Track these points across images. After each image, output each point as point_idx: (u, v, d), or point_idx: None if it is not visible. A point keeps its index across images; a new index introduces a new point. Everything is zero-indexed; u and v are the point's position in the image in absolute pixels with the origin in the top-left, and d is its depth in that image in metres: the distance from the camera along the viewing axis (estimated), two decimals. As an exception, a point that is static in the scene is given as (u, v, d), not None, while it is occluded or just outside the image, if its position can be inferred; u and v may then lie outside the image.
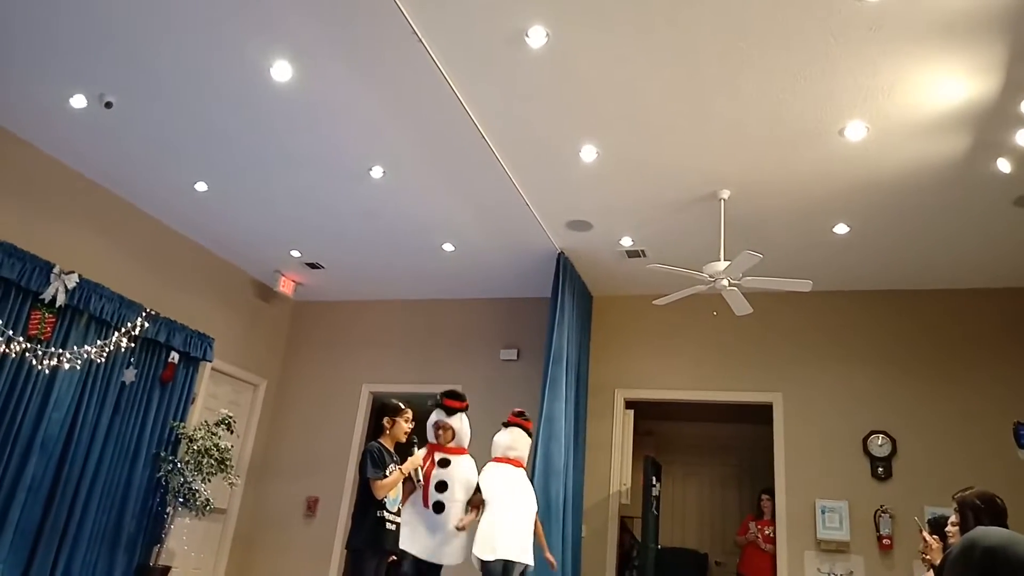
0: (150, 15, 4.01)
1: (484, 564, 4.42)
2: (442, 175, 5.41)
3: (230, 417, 6.77)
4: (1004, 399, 5.91)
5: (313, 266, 7.38)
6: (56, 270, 5.50)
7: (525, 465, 4.84)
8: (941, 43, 3.66)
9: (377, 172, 5.39)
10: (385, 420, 4.29)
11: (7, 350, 5.20)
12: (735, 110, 4.33)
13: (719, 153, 4.79)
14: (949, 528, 3.00)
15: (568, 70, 4.13)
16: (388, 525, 4.06)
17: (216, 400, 7.28)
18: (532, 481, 5.41)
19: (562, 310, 6.18)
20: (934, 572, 3.53)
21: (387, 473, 4.07)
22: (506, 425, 4.90)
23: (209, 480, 6.44)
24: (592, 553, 6.56)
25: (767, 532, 6.56)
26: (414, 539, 4.35)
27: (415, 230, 6.33)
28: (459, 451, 4.69)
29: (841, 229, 5.55)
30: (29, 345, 5.35)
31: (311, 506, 7.46)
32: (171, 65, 4.42)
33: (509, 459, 4.74)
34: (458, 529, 4.48)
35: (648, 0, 3.57)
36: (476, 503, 4.62)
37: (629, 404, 7.10)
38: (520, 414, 4.95)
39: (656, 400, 7.08)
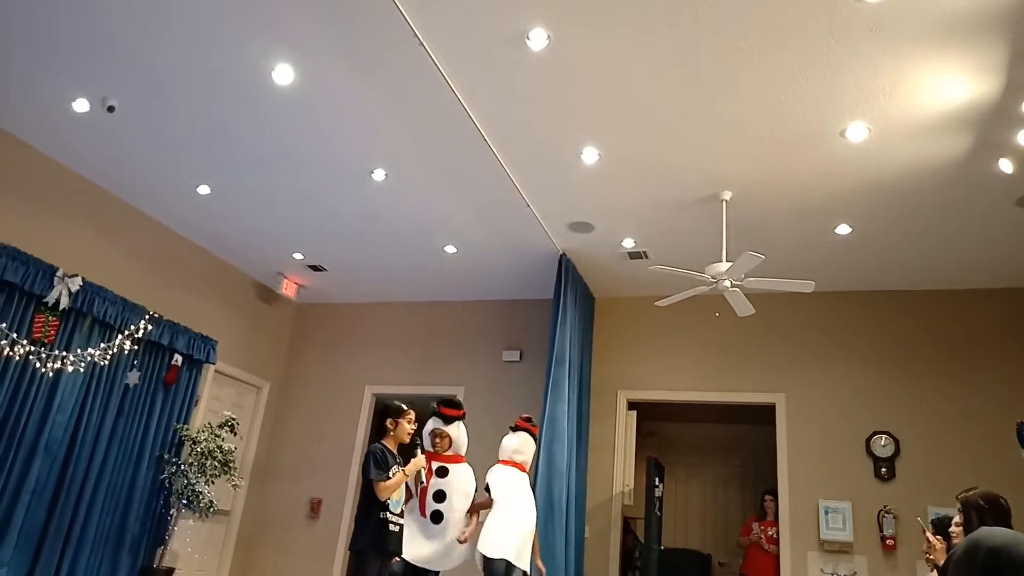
0: (150, 16, 4.02)
1: (489, 562, 4.44)
2: (443, 177, 5.42)
3: (233, 419, 6.78)
4: (1006, 399, 5.90)
5: (315, 268, 7.39)
6: (59, 273, 5.51)
7: (528, 470, 4.90)
8: (942, 43, 3.66)
9: (379, 174, 5.40)
10: (388, 421, 4.29)
11: (11, 353, 5.22)
12: (736, 111, 4.34)
13: (720, 154, 4.79)
14: (953, 528, 3.00)
15: (569, 72, 4.13)
16: (391, 526, 4.06)
17: (219, 402, 7.29)
18: (535, 482, 5.46)
19: (564, 311, 6.19)
20: (938, 573, 3.53)
21: (390, 474, 4.07)
22: (514, 429, 4.96)
23: (212, 482, 6.45)
24: (595, 554, 6.57)
25: (770, 533, 6.56)
26: (411, 546, 4.37)
27: (417, 232, 6.34)
28: (457, 459, 4.70)
29: (843, 230, 5.55)
30: (33, 348, 5.36)
31: (314, 507, 7.47)
32: (172, 66, 4.43)
33: (515, 463, 4.83)
34: (460, 542, 4.54)
35: (649, 1, 3.58)
36: (483, 503, 4.66)
37: (632, 405, 7.10)
38: (528, 419, 5.01)
39: (658, 401, 7.07)
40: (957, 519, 2.88)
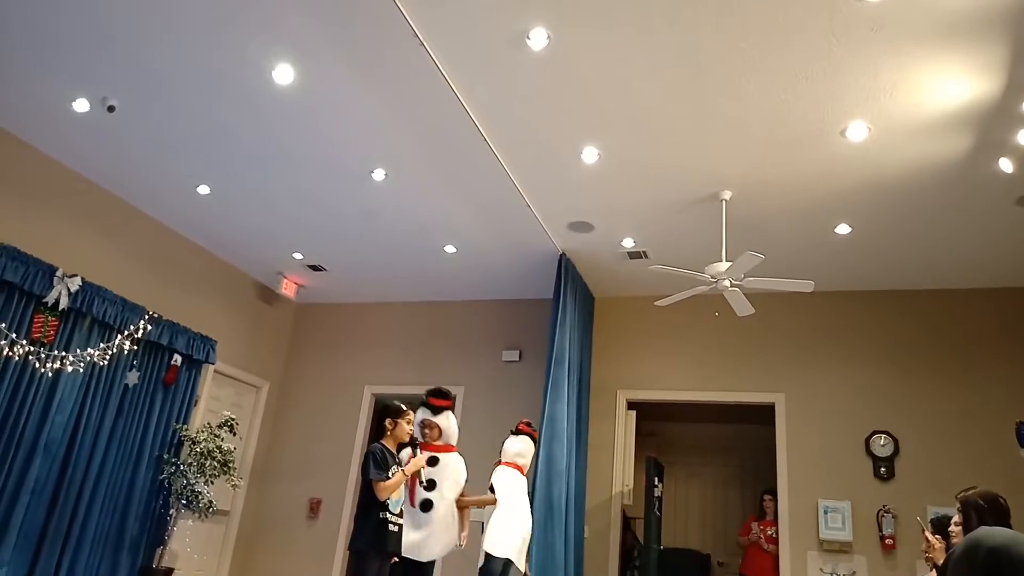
0: (150, 16, 4.01)
1: (491, 558, 4.49)
2: (443, 177, 5.42)
3: (233, 419, 6.78)
4: (1006, 399, 5.91)
5: (315, 268, 7.39)
6: (59, 273, 5.51)
7: (527, 473, 5.00)
8: (943, 43, 3.66)
9: (379, 174, 5.40)
10: (387, 421, 4.29)
11: (10, 353, 5.21)
12: (736, 111, 4.34)
13: (721, 154, 4.79)
14: (952, 528, 3.00)
15: (569, 71, 4.13)
16: (391, 526, 4.07)
17: (219, 402, 7.29)
18: (535, 481, 5.48)
19: (564, 311, 6.19)
20: (937, 572, 3.53)
21: (390, 474, 4.07)
22: (516, 433, 5.05)
23: (212, 482, 6.45)
24: (595, 554, 6.57)
25: (769, 532, 6.57)
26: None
27: (417, 232, 6.34)
28: (447, 449, 4.74)
29: (843, 229, 5.55)
30: (32, 348, 5.36)
31: (314, 507, 7.47)
32: (172, 66, 4.43)
33: (517, 465, 4.91)
34: (461, 546, 4.68)
35: (649, 1, 3.58)
36: (488, 500, 4.75)
37: (631, 405, 7.10)
38: (528, 424, 5.13)
39: (658, 401, 7.08)
40: (956, 519, 2.88)
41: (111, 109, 4.87)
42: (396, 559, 4.28)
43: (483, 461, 5.32)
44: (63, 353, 5.58)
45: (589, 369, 6.98)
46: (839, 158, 4.68)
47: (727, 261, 5.02)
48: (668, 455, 9.11)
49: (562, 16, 3.72)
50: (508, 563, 4.54)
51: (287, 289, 7.75)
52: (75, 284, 5.60)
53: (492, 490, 4.78)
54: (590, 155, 4.91)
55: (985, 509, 2.71)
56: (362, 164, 5.31)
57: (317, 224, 6.39)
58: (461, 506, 4.82)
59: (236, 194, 5.99)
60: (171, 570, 6.35)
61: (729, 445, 9.24)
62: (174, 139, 5.24)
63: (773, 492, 6.53)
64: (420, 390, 7.35)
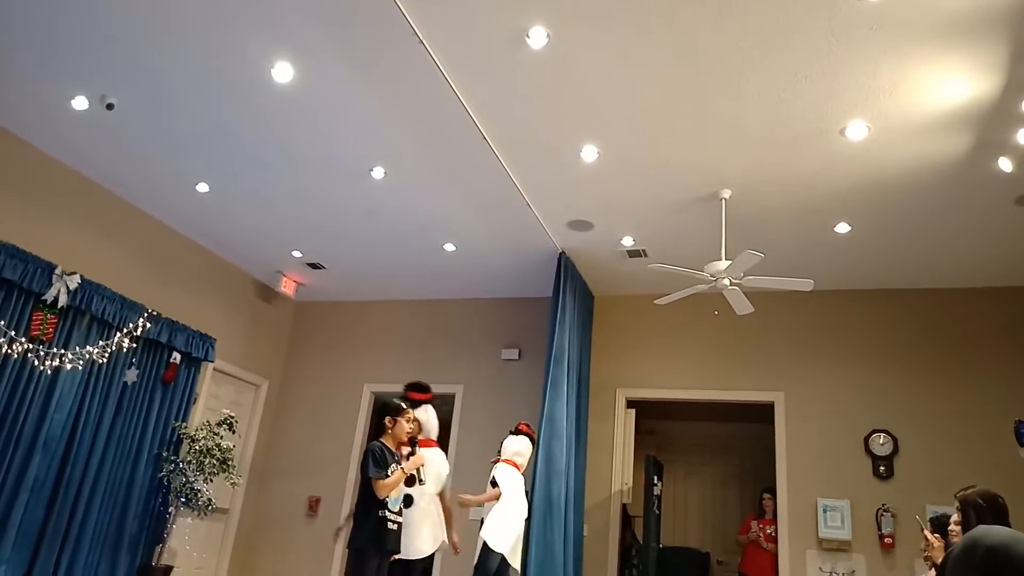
0: (150, 15, 4.01)
1: (490, 551, 4.55)
2: (443, 175, 5.41)
3: (232, 417, 6.78)
4: (1005, 398, 5.91)
5: (314, 266, 7.39)
6: (58, 271, 5.51)
7: (523, 473, 5.09)
8: (942, 42, 3.66)
9: (378, 172, 5.39)
10: (387, 420, 4.28)
11: (9, 351, 5.21)
12: (736, 110, 4.33)
13: (720, 153, 4.79)
14: (952, 527, 3.00)
15: (569, 70, 4.13)
16: (390, 525, 4.06)
17: (218, 400, 7.29)
18: (534, 480, 5.49)
19: (563, 310, 6.19)
20: (936, 571, 3.53)
21: (389, 473, 4.07)
22: (516, 432, 5.14)
23: (211, 480, 6.45)
24: (594, 552, 6.57)
25: (769, 531, 6.57)
26: None
27: (416, 230, 6.33)
28: (428, 443, 4.73)
29: (842, 228, 5.55)
30: (31, 346, 5.36)
31: (313, 506, 7.47)
32: (172, 65, 4.43)
33: (515, 463, 4.99)
34: (455, 549, 4.76)
35: (648, 1, 3.58)
36: (492, 496, 4.79)
37: (630, 403, 7.10)
38: (528, 425, 5.23)
39: (657, 399, 7.08)
40: (955, 518, 2.88)
41: (110, 107, 4.87)
42: (395, 557, 4.28)
43: (482, 458, 5.33)
44: (62, 351, 5.58)
45: (588, 367, 6.98)
46: (838, 157, 4.68)
47: (726, 260, 5.02)
48: (667, 454, 9.12)
49: (561, 15, 3.72)
50: (504, 559, 4.63)
51: (286, 287, 7.75)
52: (74, 282, 5.59)
53: (494, 484, 4.85)
54: (589, 154, 4.91)
55: (984, 508, 2.71)
56: (361, 162, 5.31)
57: (316, 222, 6.39)
58: (466, 504, 4.85)
59: (235, 192, 5.98)
60: (170, 568, 6.36)
61: (728, 444, 9.24)
62: (173, 137, 5.24)
63: (772, 491, 6.53)
64: (420, 389, 7.42)
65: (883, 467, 6.08)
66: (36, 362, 5.40)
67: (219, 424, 6.67)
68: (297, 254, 7.12)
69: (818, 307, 6.64)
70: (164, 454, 6.44)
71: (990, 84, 3.89)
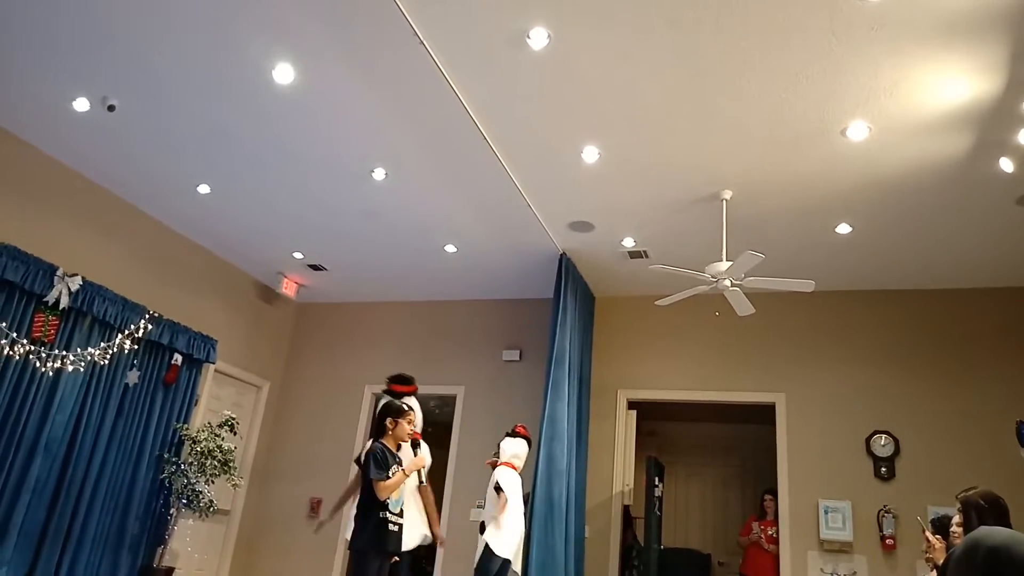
0: (151, 15, 4.02)
1: (492, 556, 4.57)
2: (444, 176, 5.42)
3: (233, 419, 6.78)
4: (1006, 398, 5.90)
5: (315, 268, 7.39)
6: (59, 272, 5.51)
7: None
8: (943, 42, 3.66)
9: (379, 173, 5.40)
10: (388, 421, 4.28)
11: (11, 352, 5.22)
12: (737, 110, 4.33)
13: (721, 153, 4.79)
14: (954, 528, 3.00)
15: (570, 71, 4.13)
16: (391, 526, 4.06)
17: (219, 402, 7.29)
18: (535, 481, 5.50)
19: (564, 311, 6.18)
20: (937, 572, 3.52)
21: (390, 474, 4.06)
22: (513, 435, 5.15)
23: (212, 481, 6.45)
24: (595, 553, 6.56)
25: (770, 532, 6.56)
26: None
27: (417, 231, 6.34)
28: (412, 436, 4.70)
29: (843, 229, 5.55)
30: (33, 347, 5.36)
31: (314, 507, 7.47)
32: (172, 65, 4.43)
33: (514, 466, 5.02)
34: (439, 544, 4.78)
35: (649, 1, 3.58)
36: (503, 504, 4.80)
37: (631, 404, 7.09)
38: (524, 427, 5.24)
39: (658, 401, 7.07)
40: (957, 519, 2.88)
41: (111, 108, 4.88)
42: (396, 559, 4.27)
43: (482, 459, 5.33)
44: (64, 352, 5.58)
45: (589, 369, 6.98)
46: (839, 158, 4.68)
47: (727, 261, 5.01)
48: (668, 455, 9.11)
49: (562, 16, 3.72)
50: (507, 563, 4.66)
51: (287, 288, 7.75)
52: (75, 283, 5.60)
53: (499, 489, 4.85)
54: (590, 155, 4.91)
55: (985, 509, 2.71)
56: (362, 163, 5.31)
57: (317, 224, 6.39)
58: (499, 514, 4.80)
59: (236, 193, 5.99)
60: (172, 569, 6.36)
61: (729, 445, 9.24)
62: (174, 138, 5.25)
63: (774, 492, 6.53)
64: (421, 390, 7.40)
65: (884, 468, 6.07)
66: (38, 364, 5.40)
67: (220, 425, 6.67)
68: (298, 255, 7.12)
69: (819, 308, 6.63)
70: (165, 455, 6.44)
71: (991, 84, 3.89)
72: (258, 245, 6.97)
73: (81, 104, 4.88)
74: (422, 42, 3.96)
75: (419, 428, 4.84)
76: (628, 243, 6.16)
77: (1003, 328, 6.13)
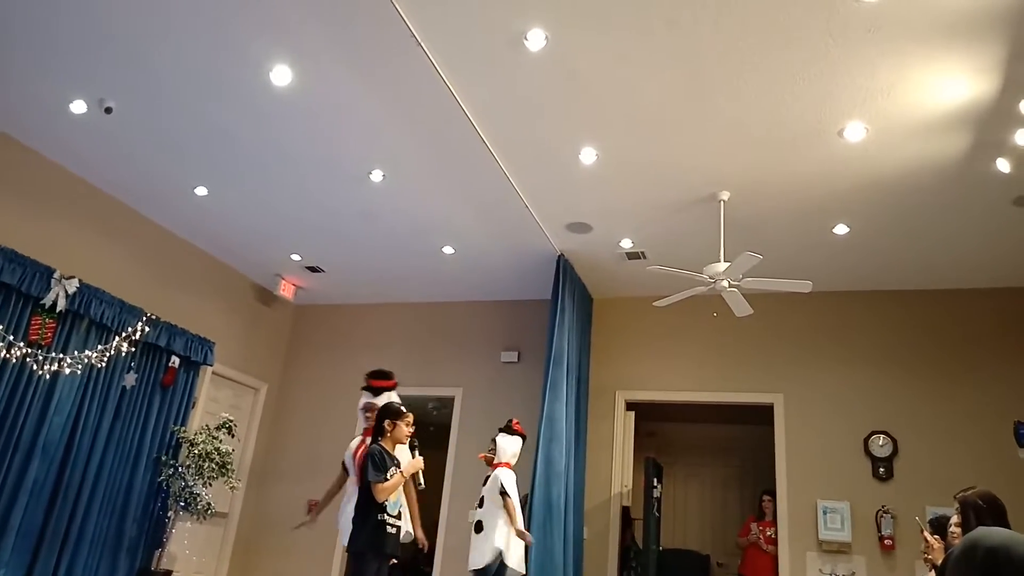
0: (150, 17, 4.01)
1: (508, 570, 4.58)
2: (442, 178, 5.41)
3: (231, 421, 6.77)
4: (1005, 398, 5.91)
5: (313, 270, 7.38)
6: (56, 275, 5.50)
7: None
8: (940, 43, 3.66)
9: (377, 175, 5.39)
10: (386, 423, 4.27)
11: (8, 355, 5.20)
12: (734, 111, 4.34)
13: (719, 154, 4.79)
14: (953, 529, 3.00)
15: (567, 72, 4.13)
16: (389, 528, 4.06)
17: (217, 404, 7.28)
18: (533, 482, 5.49)
19: (562, 312, 6.18)
20: (936, 572, 3.52)
21: (388, 476, 4.06)
22: (512, 432, 5.13)
23: (210, 484, 6.44)
24: (594, 554, 6.56)
25: (769, 533, 6.56)
26: (345, 533, 4.37)
27: (415, 233, 6.33)
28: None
29: (841, 230, 5.55)
30: (30, 350, 5.35)
31: (311, 509, 7.44)
32: (171, 67, 4.43)
33: (511, 466, 5.02)
34: (424, 550, 4.73)
35: (647, 2, 3.58)
36: (507, 506, 4.75)
37: (630, 405, 7.09)
38: (518, 423, 5.23)
39: (657, 401, 7.07)
40: (955, 519, 2.88)
41: (108, 111, 4.87)
42: (395, 560, 4.27)
43: (482, 462, 5.31)
44: (61, 355, 5.57)
45: (588, 370, 6.98)
46: (837, 158, 4.68)
47: (725, 261, 5.02)
48: (667, 455, 9.11)
49: (560, 17, 3.72)
50: (502, 561, 4.70)
51: (285, 290, 7.74)
52: (72, 286, 5.59)
53: (504, 493, 4.80)
54: (588, 156, 4.91)
55: (984, 509, 2.71)
56: (360, 165, 5.31)
57: (315, 225, 6.39)
58: (527, 540, 4.75)
59: (234, 195, 5.98)
60: (169, 572, 6.34)
61: (728, 445, 9.24)
62: (172, 140, 5.24)
63: (772, 493, 6.52)
64: (418, 391, 7.43)
65: (883, 468, 6.07)
66: (35, 366, 5.39)
67: (218, 428, 6.66)
68: (296, 257, 7.12)
69: (817, 308, 6.63)
70: (163, 458, 6.43)
71: (988, 85, 3.89)
72: (256, 247, 6.96)
73: (79, 106, 4.87)
74: (420, 43, 3.96)
75: None
76: (626, 244, 6.16)
77: (1002, 328, 6.14)
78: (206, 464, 6.38)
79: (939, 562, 3.48)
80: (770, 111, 4.30)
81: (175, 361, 6.57)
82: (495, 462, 5.05)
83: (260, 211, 6.20)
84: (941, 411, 6.09)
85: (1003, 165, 4.49)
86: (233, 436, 6.83)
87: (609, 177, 5.17)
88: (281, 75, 4.35)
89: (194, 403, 6.90)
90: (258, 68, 4.33)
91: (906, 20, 3.53)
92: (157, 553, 6.32)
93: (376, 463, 4.04)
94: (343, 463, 4.91)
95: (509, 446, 5.04)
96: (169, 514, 6.36)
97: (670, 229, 5.82)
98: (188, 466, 6.37)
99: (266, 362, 7.98)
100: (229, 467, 6.54)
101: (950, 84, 3.92)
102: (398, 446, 4.31)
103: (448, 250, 6.60)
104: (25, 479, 5.30)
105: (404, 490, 4.68)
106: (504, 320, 7.56)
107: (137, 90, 4.69)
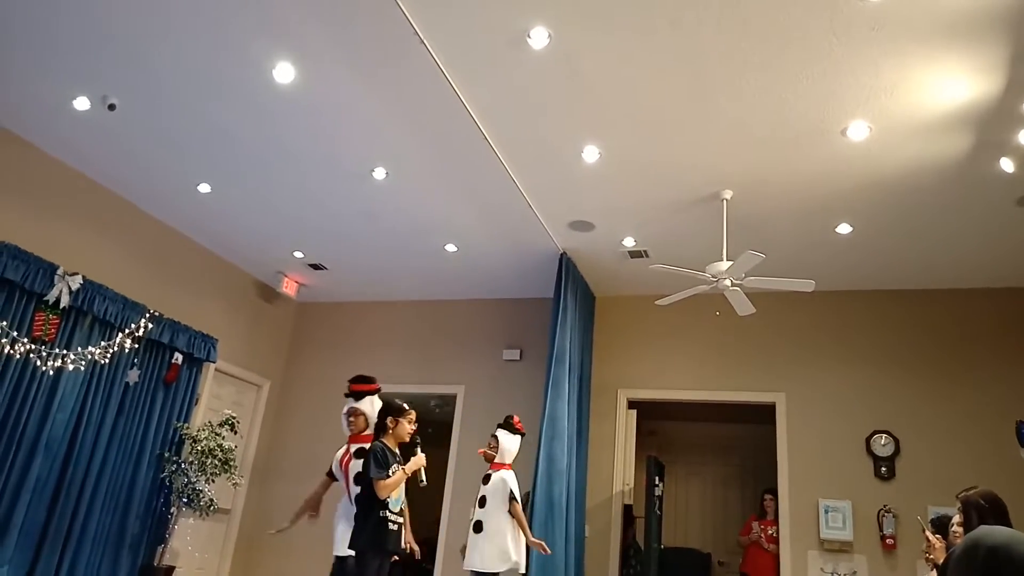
0: (152, 15, 4.02)
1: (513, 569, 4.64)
2: (444, 176, 5.42)
3: (234, 418, 6.78)
4: (1006, 398, 5.91)
5: (316, 267, 7.39)
6: (60, 272, 5.51)
7: None
8: (943, 43, 3.66)
9: (379, 173, 5.40)
10: (388, 420, 4.27)
11: (12, 351, 5.22)
12: (737, 110, 4.33)
13: (721, 153, 4.79)
14: (954, 528, 3.00)
15: (570, 71, 4.13)
16: (391, 525, 4.05)
17: (220, 401, 7.29)
18: (535, 480, 5.49)
19: (564, 310, 6.19)
20: (937, 572, 3.53)
21: (390, 473, 4.06)
22: (514, 431, 5.06)
23: (213, 480, 6.46)
24: (595, 552, 6.57)
25: (770, 532, 6.57)
26: (336, 542, 4.36)
27: (417, 231, 6.34)
28: (373, 439, 4.65)
29: (844, 229, 5.55)
30: (33, 346, 5.37)
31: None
32: (173, 65, 4.43)
33: (511, 466, 4.98)
34: (414, 554, 4.65)
35: (650, 1, 3.58)
36: (516, 514, 4.73)
37: (632, 404, 7.10)
38: (519, 421, 5.18)
39: (659, 400, 7.08)
40: (957, 518, 2.88)
41: (112, 107, 4.88)
42: (396, 558, 4.27)
43: (482, 462, 5.31)
44: (64, 351, 5.59)
45: (590, 368, 6.98)
46: (840, 158, 4.68)
47: (728, 260, 5.01)
48: (669, 454, 9.11)
49: (562, 16, 3.72)
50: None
51: (288, 288, 7.75)
52: (76, 282, 5.60)
53: (513, 497, 4.75)
54: (591, 154, 4.91)
55: (986, 509, 2.71)
56: (363, 163, 5.32)
57: (318, 223, 6.40)
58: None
59: (237, 193, 5.99)
60: (172, 568, 6.36)
61: (730, 444, 9.24)
62: (175, 138, 5.25)
63: (774, 491, 6.53)
64: (421, 389, 7.44)
65: (884, 468, 6.08)
66: (38, 363, 5.41)
67: (221, 424, 6.68)
68: (299, 255, 7.13)
69: (819, 308, 6.63)
70: (166, 455, 6.44)
71: (991, 84, 3.89)
72: (258, 244, 6.97)
73: (82, 103, 4.88)
74: (423, 41, 3.96)
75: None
76: (628, 243, 6.16)
77: (1003, 328, 6.13)
78: (209, 461, 6.40)
79: (941, 561, 3.49)
80: (773, 110, 4.30)
81: (178, 358, 6.59)
82: (497, 462, 4.95)
83: (263, 208, 6.21)
84: (943, 411, 6.08)
85: (1006, 165, 4.48)
86: (236, 433, 6.85)
87: (612, 176, 5.17)
88: (283, 73, 4.35)
89: (197, 400, 6.91)
90: (260, 67, 4.33)
91: (909, 19, 3.53)
92: (160, 549, 6.34)
93: (378, 460, 4.04)
94: (330, 469, 4.92)
95: (511, 445, 4.97)
96: (172, 510, 6.38)
97: (672, 228, 5.82)
98: (191, 462, 6.39)
99: (269, 359, 7.99)
100: (232, 464, 6.55)
101: (953, 84, 3.92)
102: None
103: (450, 248, 6.61)
104: (28, 475, 5.32)
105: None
106: (506, 318, 7.57)
107: (139, 88, 4.69)
